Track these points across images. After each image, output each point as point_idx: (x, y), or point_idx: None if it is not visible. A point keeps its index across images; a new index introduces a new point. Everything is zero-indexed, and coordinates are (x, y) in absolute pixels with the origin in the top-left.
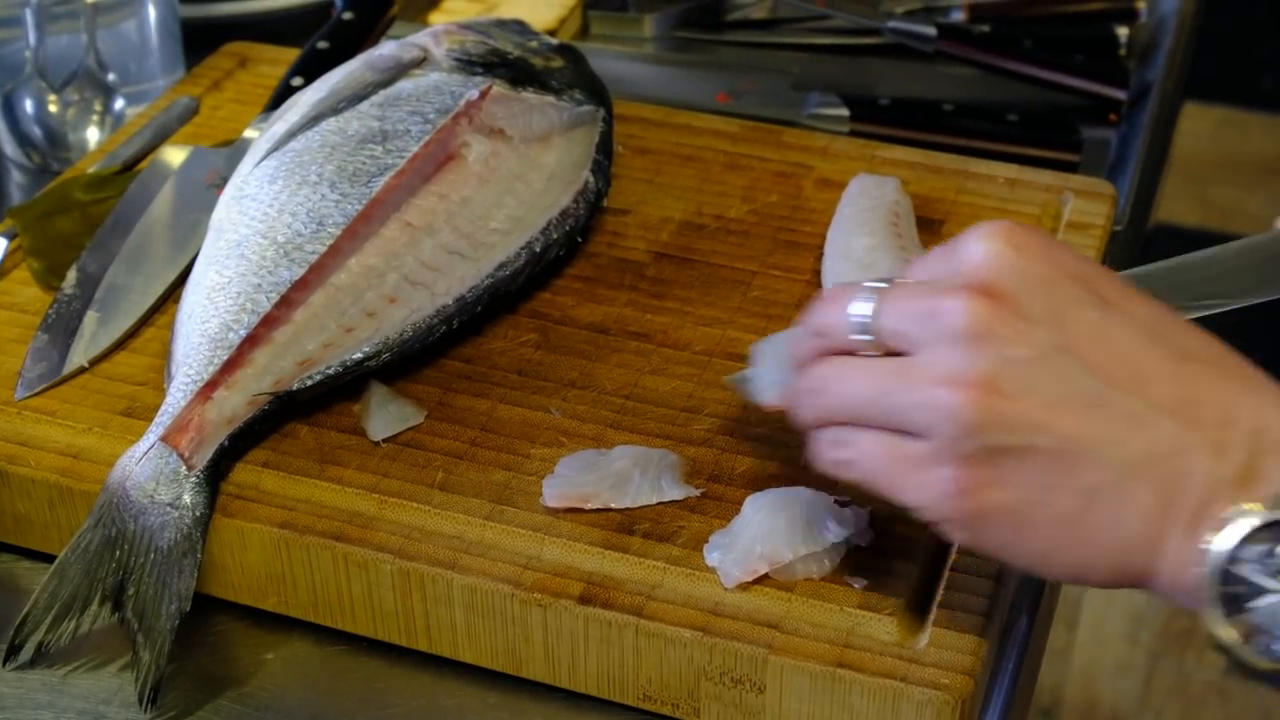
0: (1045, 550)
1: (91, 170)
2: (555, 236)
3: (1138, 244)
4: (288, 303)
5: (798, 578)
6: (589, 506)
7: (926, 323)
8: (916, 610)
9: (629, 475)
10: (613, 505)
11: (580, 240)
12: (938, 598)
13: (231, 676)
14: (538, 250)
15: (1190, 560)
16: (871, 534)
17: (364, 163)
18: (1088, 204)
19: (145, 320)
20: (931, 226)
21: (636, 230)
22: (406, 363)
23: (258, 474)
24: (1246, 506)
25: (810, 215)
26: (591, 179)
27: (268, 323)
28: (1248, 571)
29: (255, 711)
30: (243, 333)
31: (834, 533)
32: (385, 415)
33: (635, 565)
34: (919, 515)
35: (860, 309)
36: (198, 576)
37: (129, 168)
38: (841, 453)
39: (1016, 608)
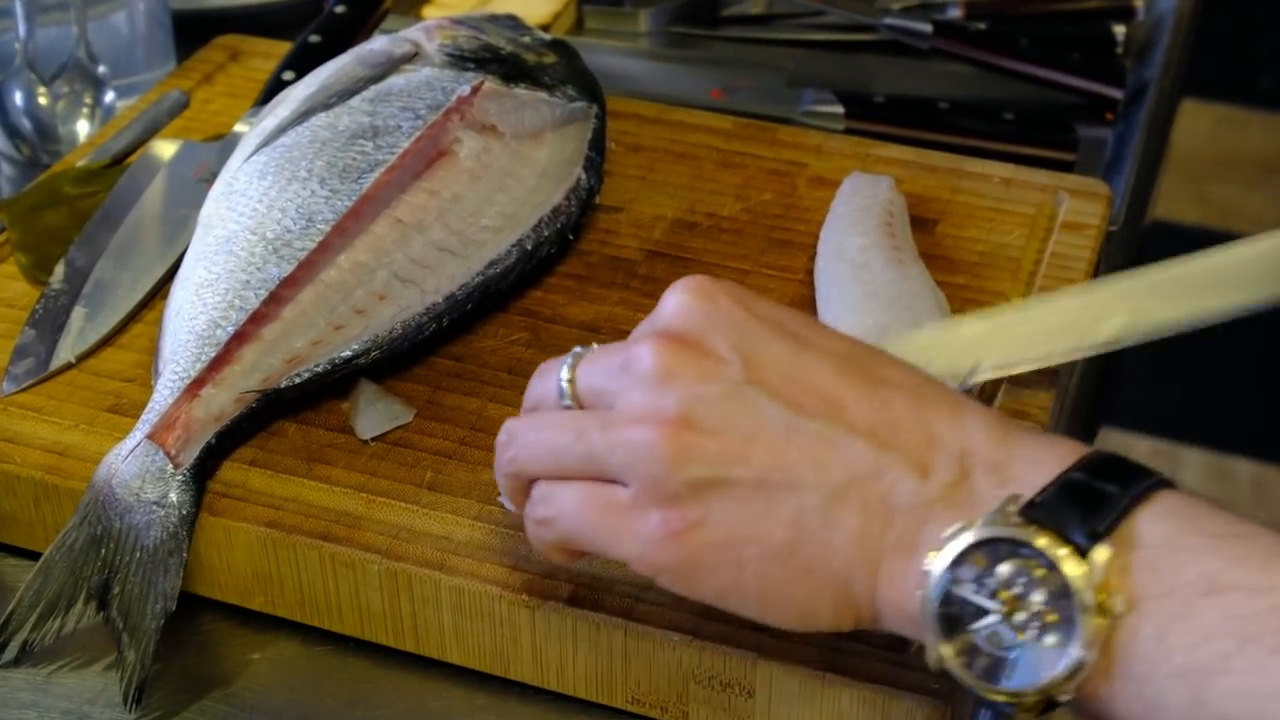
0: (765, 591)
1: (81, 164)
2: (547, 234)
3: (1134, 244)
4: (276, 300)
5: None
6: None
7: (619, 374)
8: None
9: None
10: None
11: (572, 238)
12: None
13: (217, 676)
14: (529, 248)
15: (910, 584)
16: None
17: (354, 159)
18: (1083, 204)
19: (133, 316)
20: (926, 226)
21: (629, 228)
22: (396, 360)
23: (245, 472)
24: (960, 525)
25: (804, 214)
26: (584, 176)
27: (256, 320)
28: (967, 592)
29: (241, 712)
30: (231, 330)
31: None
32: (374, 414)
33: (624, 568)
34: (634, 568)
35: (564, 374)
36: (183, 575)
37: (118, 161)
38: (543, 510)
39: None
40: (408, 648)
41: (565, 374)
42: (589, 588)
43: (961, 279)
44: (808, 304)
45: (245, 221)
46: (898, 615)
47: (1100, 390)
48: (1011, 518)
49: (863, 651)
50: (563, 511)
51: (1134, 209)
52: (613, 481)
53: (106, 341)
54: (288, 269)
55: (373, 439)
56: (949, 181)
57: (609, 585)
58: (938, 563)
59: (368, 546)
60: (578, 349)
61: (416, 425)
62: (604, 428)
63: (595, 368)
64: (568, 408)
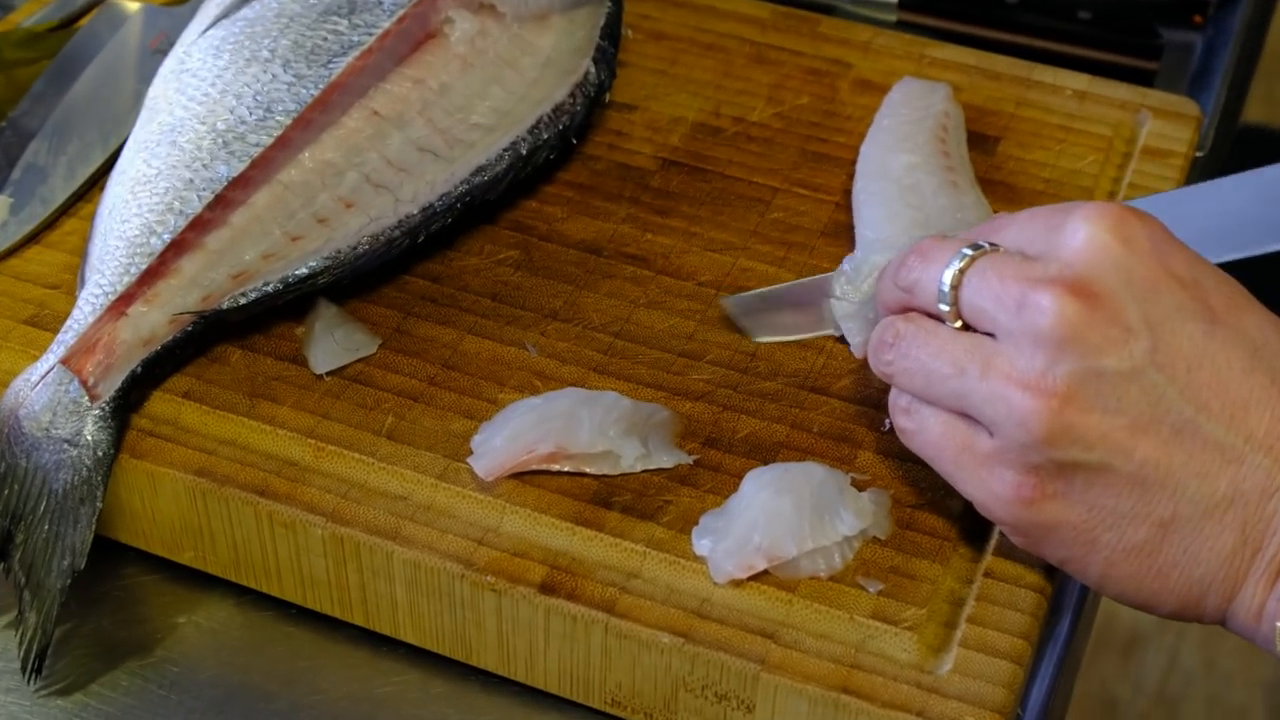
0: (1110, 574)
1: (24, 24)
2: (545, 137)
3: (1218, 172)
4: (223, 203)
5: (802, 576)
6: (539, 467)
7: (1012, 311)
8: (941, 624)
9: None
10: (588, 470)
11: (575, 142)
12: (967, 610)
13: (135, 642)
14: (524, 153)
15: (1270, 612)
16: (892, 526)
17: (325, 39)
18: (1168, 125)
19: (66, 209)
20: (985, 144)
21: (643, 131)
22: (362, 279)
23: (177, 406)
24: None
25: (844, 123)
26: (593, 69)
27: (198, 226)
28: None
29: (159, 689)
30: (167, 237)
31: (848, 523)
32: (331, 343)
33: (610, 547)
34: (979, 510)
35: (948, 278)
36: (102, 522)
37: (68, 24)
38: (908, 422)
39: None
40: (356, 621)
41: (949, 278)
42: (566, 572)
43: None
44: (843, 231)
45: (194, 108)
46: (1246, 631)
47: None
48: None
49: (884, 670)
50: (922, 433)
51: (1224, 129)
52: (978, 422)
53: (33, 238)
54: (238, 167)
55: (328, 373)
56: (1014, 92)
57: (589, 571)
58: None
59: (311, 506)
60: (966, 251)
61: (380, 358)
62: (984, 373)
63: (986, 286)
64: (945, 312)
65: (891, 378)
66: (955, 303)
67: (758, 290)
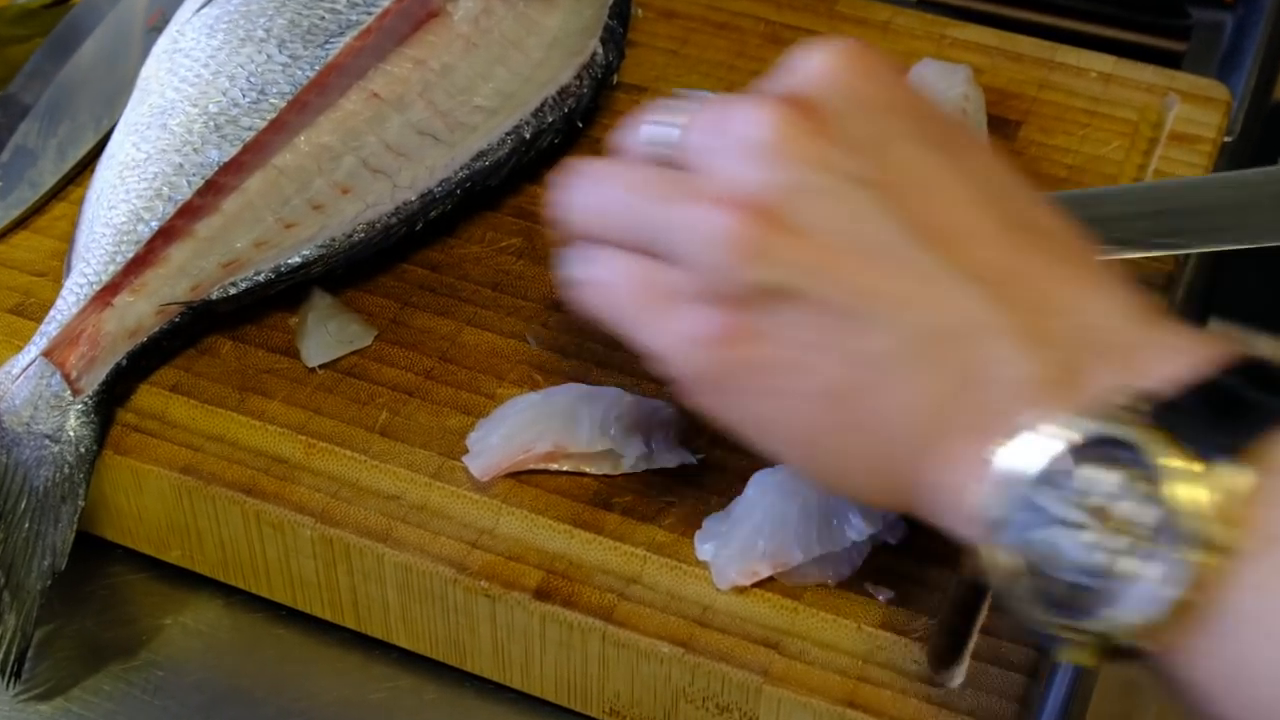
0: (797, 434)
1: (19, 1)
2: (550, 120)
3: (1247, 158)
4: (214, 188)
5: (808, 582)
6: (534, 466)
7: (719, 131)
8: (953, 634)
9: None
10: (587, 470)
11: (581, 126)
12: (980, 620)
13: (119, 644)
14: (527, 136)
15: (975, 470)
16: (904, 529)
17: (322, 18)
18: (1196, 110)
19: (56, 193)
20: (1006, 129)
21: None
22: (358, 267)
23: (164, 400)
24: (1061, 413)
25: None
26: (600, 50)
27: (187, 213)
28: (1047, 498)
29: (143, 693)
30: (155, 224)
31: (857, 528)
32: (324, 335)
33: (609, 551)
34: (660, 365)
35: (665, 118)
36: (87, 518)
37: (63, 0)
38: (581, 269)
39: None
40: (348, 624)
41: (671, 119)
42: (563, 577)
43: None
44: None
45: (185, 90)
46: (948, 505)
47: (1214, 279)
48: (1127, 414)
49: (893, 684)
50: (601, 280)
51: (1253, 113)
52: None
53: (21, 223)
54: (230, 152)
55: (321, 366)
56: (1037, 74)
57: (587, 575)
58: (1021, 452)
59: (300, 506)
60: (684, 91)
61: (376, 350)
62: (674, 196)
63: (703, 122)
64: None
65: (571, 223)
66: (675, 146)
67: None
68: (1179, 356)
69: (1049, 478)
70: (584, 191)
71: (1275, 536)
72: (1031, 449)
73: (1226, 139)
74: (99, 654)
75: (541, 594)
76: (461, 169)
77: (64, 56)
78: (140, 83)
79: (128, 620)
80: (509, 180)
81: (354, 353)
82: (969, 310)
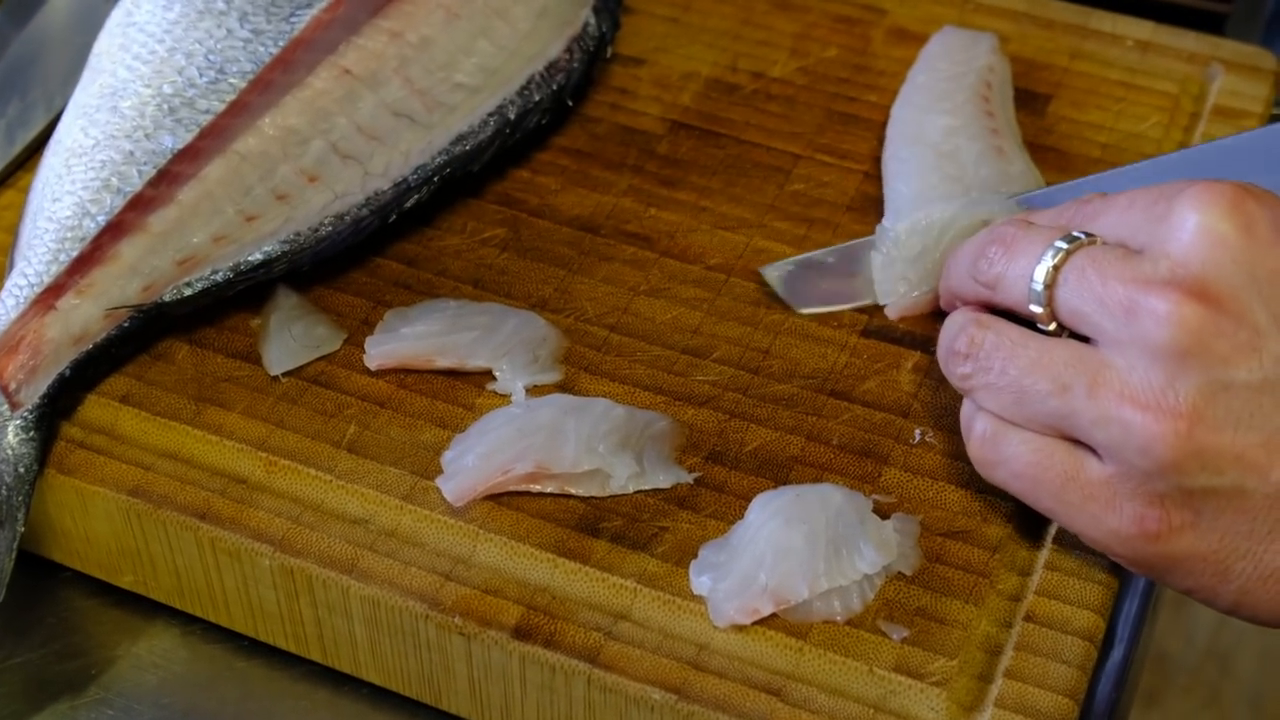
0: (1244, 602)
1: None
2: (537, 99)
3: None
4: (168, 177)
5: (814, 619)
6: (517, 488)
7: (1120, 318)
8: (974, 677)
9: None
10: (573, 491)
11: (571, 104)
12: (1005, 661)
13: (68, 677)
14: (511, 118)
15: None
16: (920, 559)
17: None
18: (1241, 81)
19: (4, 180)
20: (1034, 104)
21: (650, 88)
22: (327, 262)
23: (114, 412)
24: None
25: (877, 79)
26: (593, 20)
27: (138, 205)
28: None
29: None
30: (102, 219)
31: (869, 559)
32: (288, 339)
33: (595, 582)
34: (1092, 546)
35: (1041, 275)
36: (34, 540)
37: None
38: (990, 450)
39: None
40: (314, 657)
41: (1043, 275)
42: (544, 613)
43: (1078, 181)
44: (872, 205)
45: (138, 68)
46: None
47: None
48: None
49: None
50: (1011, 461)
51: None
52: (1081, 443)
53: None
54: (185, 138)
55: (284, 374)
56: (1068, 42)
57: (571, 611)
58: None
59: (258, 532)
60: (1060, 244)
61: (345, 355)
62: (1092, 391)
63: (1087, 287)
64: (1037, 314)
65: (971, 393)
66: (1050, 303)
67: (795, 257)
68: None
69: None
70: (989, 369)
71: None
72: None
73: (1276, 111)
74: (46, 688)
75: (521, 632)
76: (440, 154)
77: (16, 29)
78: (92, 60)
79: (77, 652)
80: (492, 164)
81: (321, 358)
82: None
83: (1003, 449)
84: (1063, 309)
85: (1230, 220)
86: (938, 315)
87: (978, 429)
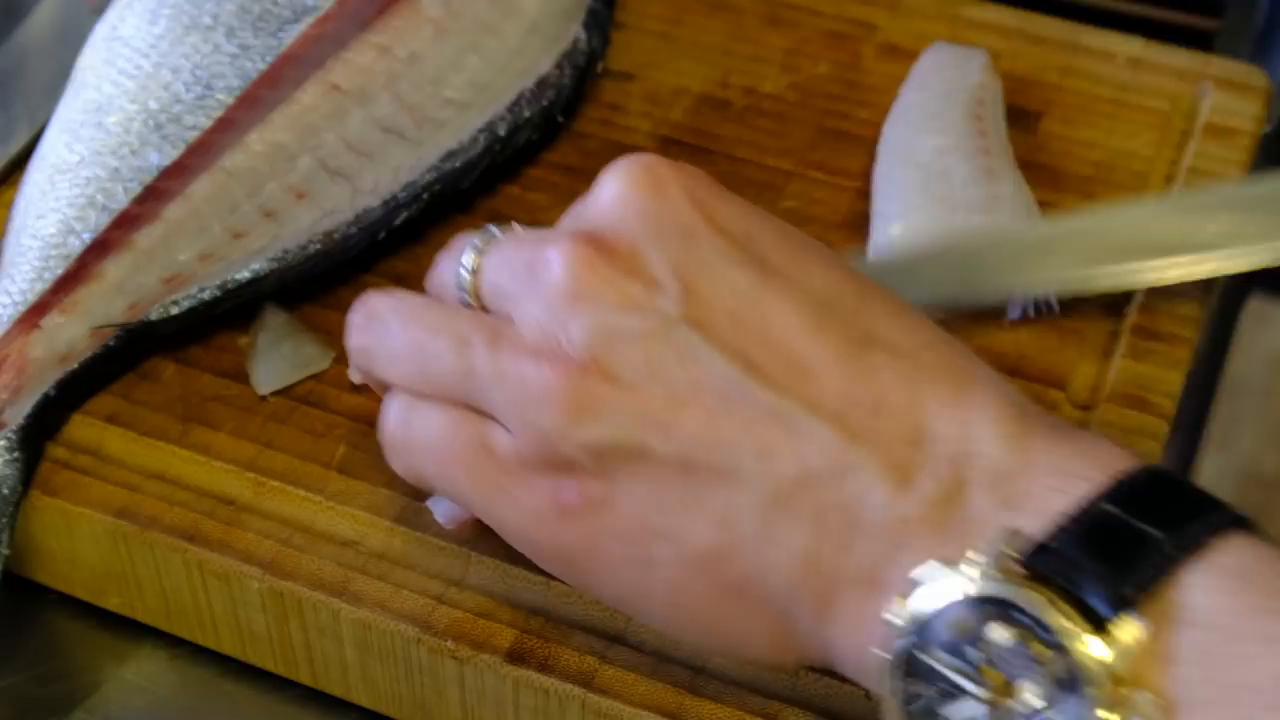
0: (680, 605)
1: None
2: (528, 114)
3: None
4: (154, 194)
5: None
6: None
7: (524, 275)
8: None
9: None
10: None
11: (561, 120)
12: None
13: (53, 701)
14: (501, 134)
15: (867, 632)
16: None
17: (276, 2)
18: (1232, 98)
19: None
20: (1026, 121)
21: (640, 104)
22: (316, 279)
23: (100, 432)
24: (939, 564)
25: (868, 95)
26: (583, 36)
27: (124, 222)
28: (939, 663)
29: None
30: (87, 236)
31: None
32: (277, 359)
33: (590, 604)
34: (510, 542)
35: (469, 258)
36: (20, 561)
37: None
38: (398, 427)
39: None
40: (304, 681)
41: (470, 259)
42: (538, 636)
43: (1070, 198)
44: (864, 222)
45: (124, 83)
46: (854, 666)
47: None
48: (1010, 565)
49: None
50: (423, 444)
51: None
52: (492, 418)
53: None
54: (171, 155)
55: (273, 394)
56: (1059, 59)
57: (565, 634)
58: (903, 614)
59: (247, 554)
60: (491, 227)
61: (335, 374)
62: (493, 345)
63: (503, 259)
64: (467, 305)
65: (371, 369)
66: (475, 289)
67: None
68: (1063, 481)
69: (934, 638)
70: (388, 332)
71: (1205, 702)
72: (909, 608)
73: (1265, 128)
74: (31, 712)
75: (515, 656)
76: (429, 170)
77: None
78: (76, 73)
79: (63, 675)
80: (482, 181)
81: (310, 377)
82: (827, 452)
83: (414, 427)
84: (485, 288)
85: (640, 180)
86: None
87: (390, 413)
